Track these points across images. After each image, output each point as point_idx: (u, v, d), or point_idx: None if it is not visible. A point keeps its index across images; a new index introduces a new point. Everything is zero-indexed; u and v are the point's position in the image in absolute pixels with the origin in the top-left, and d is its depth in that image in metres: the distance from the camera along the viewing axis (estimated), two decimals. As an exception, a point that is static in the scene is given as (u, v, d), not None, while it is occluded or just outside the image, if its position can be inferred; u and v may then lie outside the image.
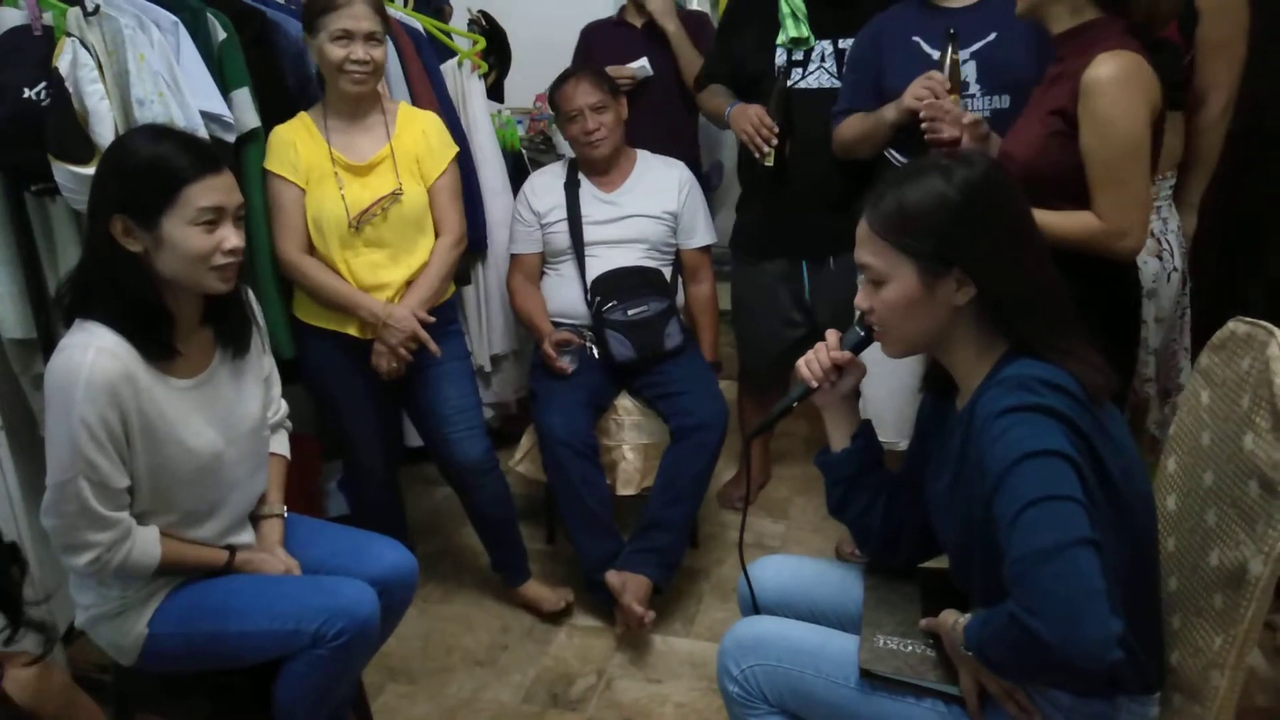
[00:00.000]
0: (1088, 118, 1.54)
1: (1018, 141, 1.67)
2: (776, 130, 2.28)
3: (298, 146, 2.04)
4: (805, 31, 2.32)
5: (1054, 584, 0.99)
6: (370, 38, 1.97)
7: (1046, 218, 1.55)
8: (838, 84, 2.31)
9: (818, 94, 2.32)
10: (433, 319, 2.07)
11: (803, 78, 2.36)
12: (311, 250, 2.08)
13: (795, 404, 1.41)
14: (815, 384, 1.37)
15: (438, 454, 2.23)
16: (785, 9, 2.33)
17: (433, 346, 2.06)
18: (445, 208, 2.14)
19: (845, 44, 2.30)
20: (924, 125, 1.82)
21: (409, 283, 2.10)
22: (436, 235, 2.14)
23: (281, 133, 2.06)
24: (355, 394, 2.16)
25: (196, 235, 1.39)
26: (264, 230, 2.10)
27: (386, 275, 2.07)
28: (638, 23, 2.96)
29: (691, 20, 3.01)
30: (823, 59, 2.35)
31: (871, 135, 2.08)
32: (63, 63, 1.73)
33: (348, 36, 1.95)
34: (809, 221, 2.40)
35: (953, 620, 1.21)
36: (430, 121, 2.16)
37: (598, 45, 2.96)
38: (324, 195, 2.03)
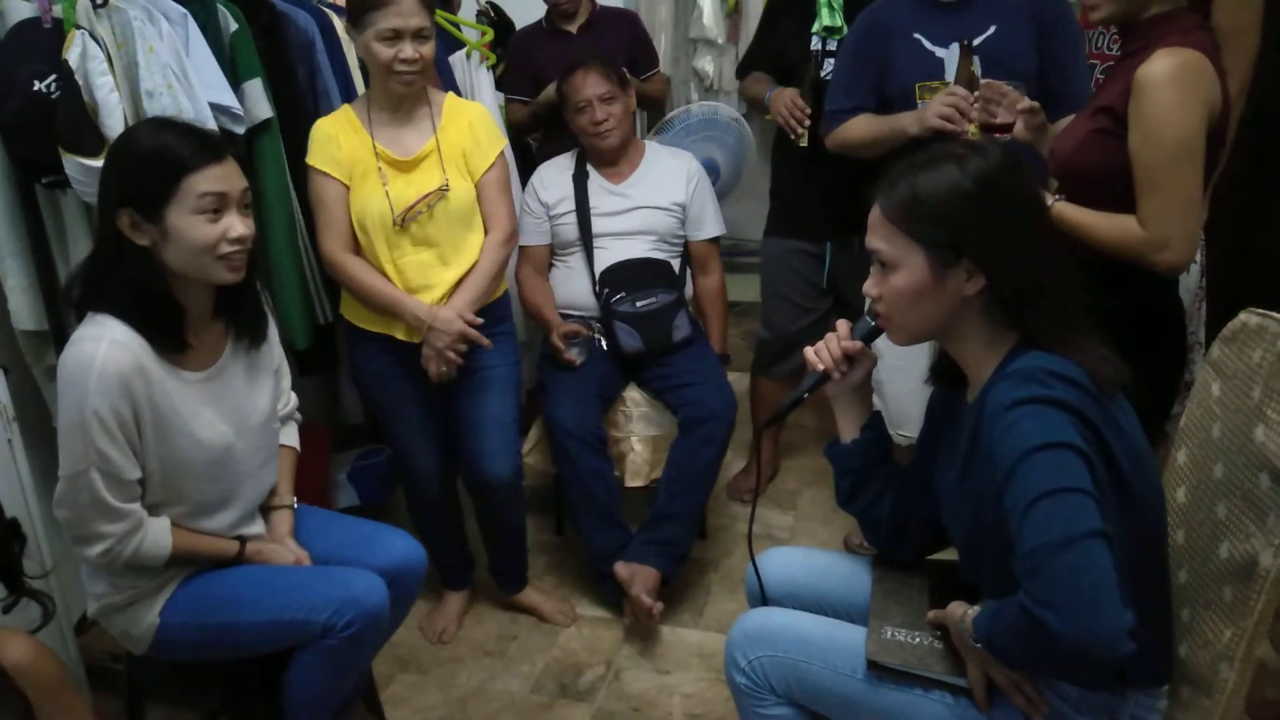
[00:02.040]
0: (1136, 117, 1.45)
1: (1064, 136, 1.62)
2: (809, 112, 2.36)
3: (340, 140, 1.97)
4: (839, 21, 2.36)
5: (1066, 576, 0.99)
6: (419, 35, 1.89)
7: (1086, 218, 1.53)
8: None
9: None
10: (480, 320, 2.00)
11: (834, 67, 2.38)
12: (358, 250, 2.01)
13: (807, 394, 1.40)
14: (822, 368, 1.36)
15: (465, 463, 2.15)
16: None
17: (484, 342, 2.00)
18: (494, 202, 2.06)
19: None
20: (978, 108, 1.79)
21: (460, 283, 2.03)
22: (485, 231, 2.07)
23: (323, 126, 2.00)
24: (405, 398, 2.11)
25: (201, 224, 1.39)
26: (278, 220, 2.11)
27: (436, 276, 2.01)
28: (572, 28, 2.84)
29: (620, 18, 2.95)
30: None
31: (885, 142, 2.04)
32: (72, 55, 1.73)
33: (396, 36, 1.87)
34: (835, 207, 2.43)
35: (961, 612, 1.21)
36: (478, 114, 2.10)
37: (538, 53, 2.83)
38: (368, 192, 1.97)
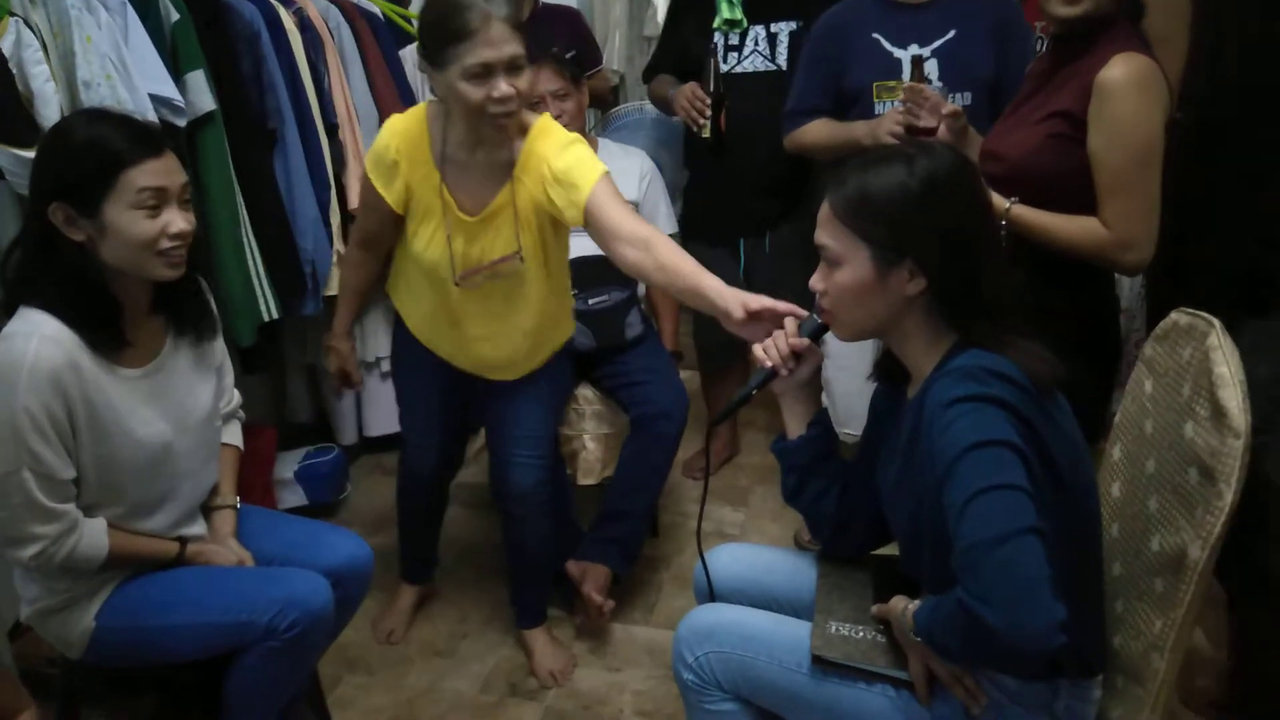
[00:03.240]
0: (1099, 121, 1.48)
1: (1009, 141, 1.64)
2: (709, 102, 2.38)
3: (402, 169, 1.75)
4: (739, 14, 2.40)
5: (1001, 572, 1.02)
6: (513, 65, 1.59)
7: (1046, 220, 1.55)
8: (772, 67, 2.41)
9: (752, 77, 2.40)
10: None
11: (739, 62, 2.45)
12: (412, 270, 1.88)
13: (756, 390, 1.41)
14: (770, 365, 1.36)
15: (492, 473, 2.09)
16: None
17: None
18: (628, 216, 1.64)
19: (777, 28, 2.38)
20: (902, 111, 1.80)
21: (511, 339, 1.88)
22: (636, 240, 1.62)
23: (391, 142, 1.75)
24: (421, 394, 2.06)
25: (140, 220, 1.36)
26: (221, 214, 2.07)
27: (486, 329, 1.86)
28: None
29: (563, 15, 2.95)
30: (756, 43, 2.43)
31: (839, 150, 2.04)
32: (5, 43, 1.69)
33: (488, 71, 1.56)
34: (746, 203, 2.50)
35: (902, 607, 1.23)
36: (566, 155, 1.70)
37: None
38: (430, 234, 1.79)
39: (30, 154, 1.63)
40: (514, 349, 1.91)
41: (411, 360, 2.04)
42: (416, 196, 1.78)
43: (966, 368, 1.12)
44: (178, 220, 1.39)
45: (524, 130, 1.75)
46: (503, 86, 1.58)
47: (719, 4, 2.40)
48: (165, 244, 1.38)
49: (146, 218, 1.36)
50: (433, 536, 2.32)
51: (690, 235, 2.67)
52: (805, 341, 1.36)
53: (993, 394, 1.09)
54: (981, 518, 1.04)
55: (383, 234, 1.90)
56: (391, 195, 1.79)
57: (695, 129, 2.43)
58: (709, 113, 2.40)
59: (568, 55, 2.53)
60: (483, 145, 1.73)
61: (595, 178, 1.67)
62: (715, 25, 2.43)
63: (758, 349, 1.39)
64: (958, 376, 1.12)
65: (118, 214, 1.35)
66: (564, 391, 2.10)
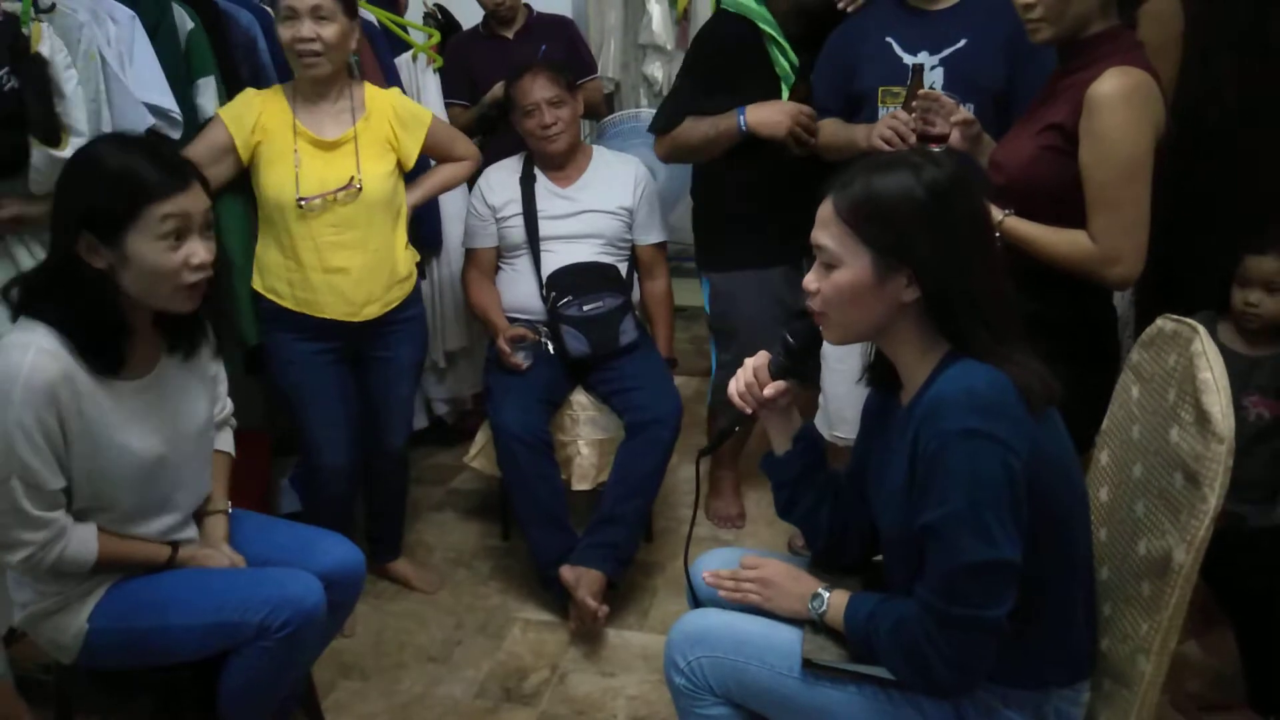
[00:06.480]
0: (1088, 134, 1.48)
1: (1009, 151, 1.64)
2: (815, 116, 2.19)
3: (256, 108, 2.00)
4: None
5: (967, 653, 1.14)
6: (316, 13, 1.90)
7: (1036, 232, 1.55)
8: None
9: None
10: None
11: None
12: (268, 225, 2.05)
13: (736, 429, 1.44)
14: (750, 411, 1.40)
15: (370, 438, 2.26)
16: (783, 67, 2.28)
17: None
18: (452, 142, 2.26)
19: None
20: (916, 116, 1.79)
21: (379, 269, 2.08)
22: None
23: (250, 92, 2.04)
24: (321, 389, 2.10)
25: (162, 251, 1.35)
26: (232, 215, 2.10)
27: (345, 259, 2.04)
28: (508, 34, 2.86)
29: (557, 24, 2.95)
30: None
31: (842, 151, 2.05)
32: (44, 47, 1.69)
33: (293, 14, 1.89)
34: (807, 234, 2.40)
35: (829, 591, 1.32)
36: (396, 99, 2.16)
37: (474, 58, 2.84)
38: (278, 172, 1.99)
39: (61, 154, 1.64)
40: (372, 275, 2.09)
41: (298, 361, 2.10)
42: (267, 135, 2.00)
43: (970, 391, 1.11)
44: (200, 251, 1.38)
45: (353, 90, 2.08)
46: (305, 28, 1.90)
47: (783, 88, 2.27)
48: (188, 277, 1.38)
49: (169, 250, 1.36)
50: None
51: (756, 265, 2.43)
52: (781, 385, 1.37)
53: (994, 433, 1.09)
54: (966, 590, 1.11)
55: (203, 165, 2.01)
56: (240, 129, 1.98)
57: (796, 150, 2.19)
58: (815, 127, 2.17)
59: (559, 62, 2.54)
60: (322, 90, 2.02)
61: (424, 132, 2.15)
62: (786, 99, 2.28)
63: (734, 394, 1.39)
64: (958, 406, 1.11)
65: (140, 245, 1.34)
66: (421, 354, 2.34)
